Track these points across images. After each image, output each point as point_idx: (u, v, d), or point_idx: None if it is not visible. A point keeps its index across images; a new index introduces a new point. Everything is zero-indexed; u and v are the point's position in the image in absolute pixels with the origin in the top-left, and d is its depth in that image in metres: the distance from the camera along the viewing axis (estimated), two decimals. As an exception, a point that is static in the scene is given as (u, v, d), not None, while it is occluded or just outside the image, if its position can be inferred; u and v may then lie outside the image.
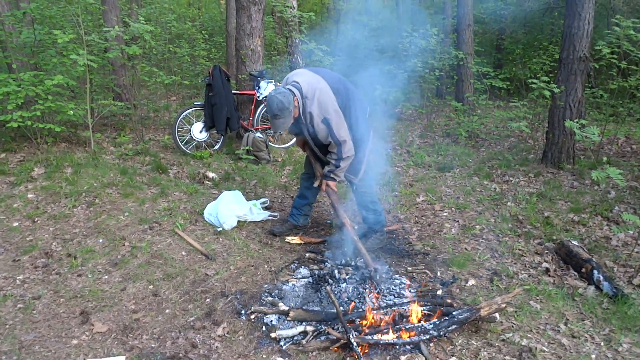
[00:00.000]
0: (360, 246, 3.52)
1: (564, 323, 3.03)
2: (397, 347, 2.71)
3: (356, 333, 2.73)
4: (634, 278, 3.55)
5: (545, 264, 3.81)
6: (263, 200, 4.82)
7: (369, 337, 2.70)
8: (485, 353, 2.69)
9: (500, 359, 2.66)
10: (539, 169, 6.18)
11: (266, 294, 3.29)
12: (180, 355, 2.70)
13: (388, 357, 2.67)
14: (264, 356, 2.70)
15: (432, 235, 4.39)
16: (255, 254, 3.86)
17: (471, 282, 3.49)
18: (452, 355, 2.68)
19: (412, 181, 5.92)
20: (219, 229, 4.22)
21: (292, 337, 2.82)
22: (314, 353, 2.72)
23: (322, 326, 2.84)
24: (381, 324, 2.81)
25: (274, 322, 2.98)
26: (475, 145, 7.59)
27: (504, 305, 2.83)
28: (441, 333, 2.75)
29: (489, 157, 6.89)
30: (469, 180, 5.96)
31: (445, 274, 3.64)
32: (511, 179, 5.96)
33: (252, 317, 3.03)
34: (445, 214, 4.91)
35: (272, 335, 2.82)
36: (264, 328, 2.94)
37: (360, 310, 2.90)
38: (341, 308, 2.86)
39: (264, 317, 3.03)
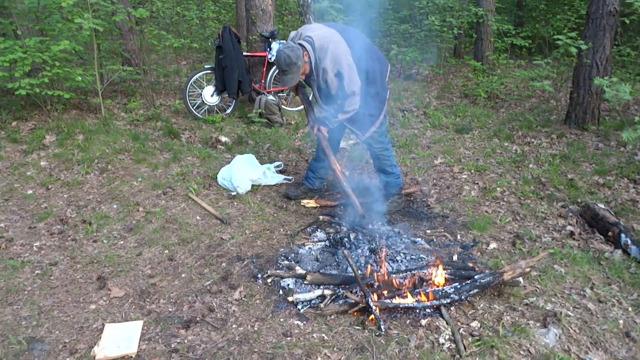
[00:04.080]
0: (350, 192, 3.57)
1: (589, 287, 2.94)
2: (417, 311, 2.65)
3: (375, 297, 2.67)
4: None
5: (569, 227, 3.68)
6: (277, 163, 4.73)
7: (388, 300, 2.64)
8: (507, 317, 2.62)
9: (523, 324, 2.58)
10: (562, 130, 5.96)
11: (282, 258, 3.24)
12: (198, 319, 2.68)
13: (408, 321, 2.62)
14: (281, 319, 2.67)
15: (451, 198, 4.27)
16: (270, 218, 3.80)
17: (493, 245, 3.39)
18: (474, 319, 2.61)
19: (429, 143, 5.76)
20: (233, 193, 4.16)
21: (310, 300, 2.78)
22: (332, 317, 2.67)
23: (340, 290, 2.78)
24: (401, 288, 2.74)
25: (291, 286, 2.93)
26: (494, 106, 7.35)
27: (528, 270, 2.73)
28: (462, 297, 2.67)
29: (510, 118, 6.67)
30: (488, 142, 5.79)
31: (465, 237, 3.54)
32: (533, 140, 5.77)
33: (269, 280, 2.99)
34: (464, 176, 4.78)
35: (290, 299, 2.77)
36: (280, 292, 2.90)
37: (379, 273, 2.83)
38: (359, 272, 2.79)
39: (281, 281, 2.98)
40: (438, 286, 2.75)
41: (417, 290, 2.70)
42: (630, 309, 2.74)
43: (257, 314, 2.72)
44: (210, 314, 2.73)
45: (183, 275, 3.11)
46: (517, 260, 3.17)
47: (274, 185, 4.39)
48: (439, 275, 2.77)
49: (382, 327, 2.52)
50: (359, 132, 3.64)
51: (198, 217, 3.80)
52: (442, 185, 4.57)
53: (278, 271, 3.03)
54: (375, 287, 2.75)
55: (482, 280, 2.67)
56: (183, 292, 2.93)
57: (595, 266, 3.17)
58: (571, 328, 2.55)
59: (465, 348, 2.39)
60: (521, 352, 2.38)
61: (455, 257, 3.18)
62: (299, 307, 2.75)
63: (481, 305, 2.72)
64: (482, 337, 2.47)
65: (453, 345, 2.43)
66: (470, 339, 2.47)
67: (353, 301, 2.64)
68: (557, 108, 6.94)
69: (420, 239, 3.46)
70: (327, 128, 3.63)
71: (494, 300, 2.77)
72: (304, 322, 2.64)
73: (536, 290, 2.86)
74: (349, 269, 3.02)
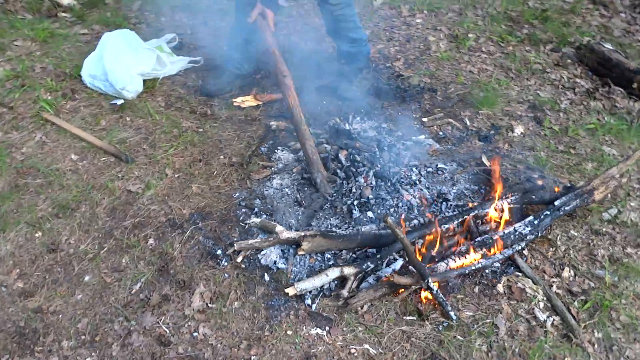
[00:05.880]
0: (303, 130, 2.15)
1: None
2: (486, 269, 1.80)
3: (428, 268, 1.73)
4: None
5: (582, 83, 2.93)
6: (168, 36, 3.10)
7: (445, 265, 1.72)
8: (601, 250, 1.88)
9: (622, 255, 1.87)
10: None
11: (245, 211, 2.06)
12: (147, 368, 1.55)
13: (476, 289, 1.76)
14: (288, 332, 1.64)
15: (420, 58, 3.22)
16: (195, 138, 2.43)
17: (518, 129, 2.52)
18: (562, 264, 1.83)
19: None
20: (119, 102, 2.61)
21: (322, 287, 1.76)
22: (365, 307, 1.71)
23: (368, 263, 1.77)
24: (455, 239, 1.83)
25: (279, 264, 1.85)
26: None
27: (625, 180, 1.94)
28: (539, 234, 1.85)
29: None
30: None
31: (475, 121, 2.61)
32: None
33: (240, 260, 1.86)
34: (418, 21, 3.68)
35: (289, 291, 1.71)
36: (266, 277, 1.81)
37: (422, 223, 1.85)
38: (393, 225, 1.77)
39: (260, 257, 1.87)
40: (498, 222, 1.87)
41: (479, 239, 1.80)
42: None
43: (245, 331, 1.65)
44: (166, 353, 1.59)
45: (87, 278, 1.81)
46: (556, 147, 2.38)
47: (176, 74, 2.87)
48: (501, 208, 1.87)
49: (452, 313, 1.64)
50: None
51: (74, 156, 2.30)
52: (400, 40, 3.43)
53: (250, 241, 1.87)
54: (422, 249, 1.79)
55: (565, 208, 1.83)
56: (100, 316, 1.69)
57: (642, 136, 2.50)
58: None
59: (577, 320, 1.64)
60: (646, 308, 1.71)
61: (484, 159, 2.27)
62: (308, 301, 1.73)
63: (558, 236, 1.93)
64: (588, 293, 1.73)
65: (557, 319, 1.66)
66: (575, 302, 1.71)
67: (396, 281, 1.67)
68: None
69: (422, 136, 2.45)
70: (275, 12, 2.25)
71: (567, 223, 1.99)
72: (327, 328, 1.66)
73: (607, 195, 2.13)
74: (354, 209, 1.98)
